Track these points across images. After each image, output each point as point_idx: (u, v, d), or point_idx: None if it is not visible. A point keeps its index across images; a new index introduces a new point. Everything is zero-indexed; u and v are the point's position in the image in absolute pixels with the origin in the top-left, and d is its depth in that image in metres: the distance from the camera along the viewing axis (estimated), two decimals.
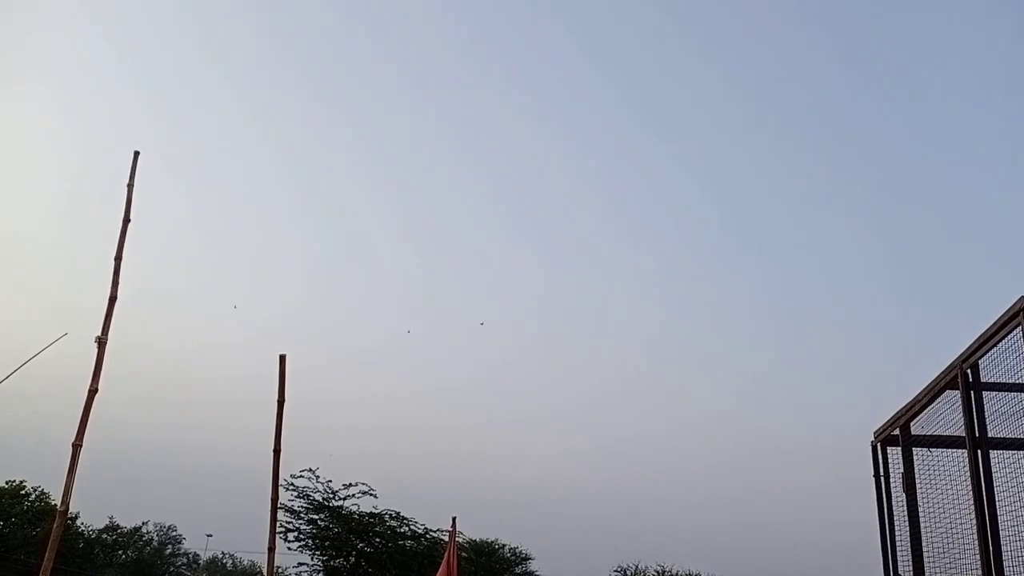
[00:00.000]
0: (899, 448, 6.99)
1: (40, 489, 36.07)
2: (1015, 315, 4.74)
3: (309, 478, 27.98)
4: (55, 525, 4.22)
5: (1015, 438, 5.34)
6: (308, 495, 28.01)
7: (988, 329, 5.17)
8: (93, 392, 4.45)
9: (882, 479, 7.25)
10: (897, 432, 6.98)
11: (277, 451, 6.46)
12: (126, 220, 5.02)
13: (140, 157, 5.44)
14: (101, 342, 4.50)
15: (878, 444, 7.40)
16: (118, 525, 44.94)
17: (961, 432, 5.71)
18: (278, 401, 6.57)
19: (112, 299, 4.63)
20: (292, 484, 27.48)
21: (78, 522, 38.41)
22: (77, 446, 4.29)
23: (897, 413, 6.92)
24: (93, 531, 41.61)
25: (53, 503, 30.60)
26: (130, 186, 5.23)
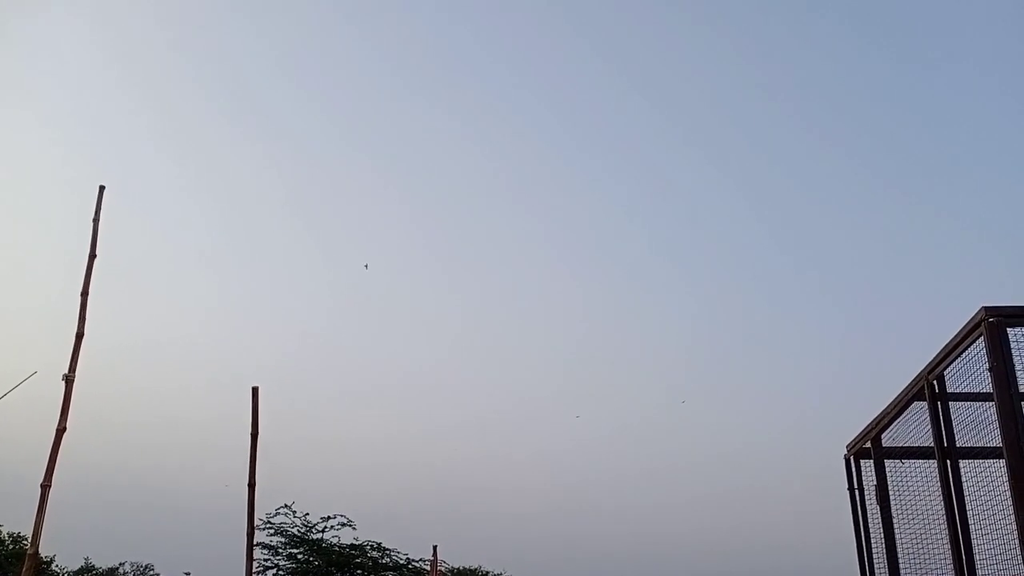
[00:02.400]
0: (871, 460, 7.06)
1: (17, 533, 35.36)
2: (977, 326, 4.83)
3: (286, 514, 27.67)
4: (25, 568, 4.17)
5: (983, 447, 5.41)
6: (285, 530, 27.69)
7: (952, 340, 5.25)
8: (61, 431, 4.40)
9: (856, 492, 7.32)
10: (869, 445, 7.05)
11: (252, 485, 6.42)
12: (92, 256, 5.00)
13: (107, 191, 5.44)
14: (69, 380, 4.47)
15: (851, 457, 7.46)
16: (94, 566, 44.08)
17: (931, 443, 5.78)
18: (252, 434, 6.53)
19: (79, 336, 4.60)
20: (269, 522, 27.15)
21: (54, 565, 37.67)
22: (46, 487, 4.25)
23: (868, 426, 6.99)
24: (68, 573, 40.80)
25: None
26: (96, 221, 5.21)
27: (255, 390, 6.54)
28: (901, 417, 6.45)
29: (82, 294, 4.80)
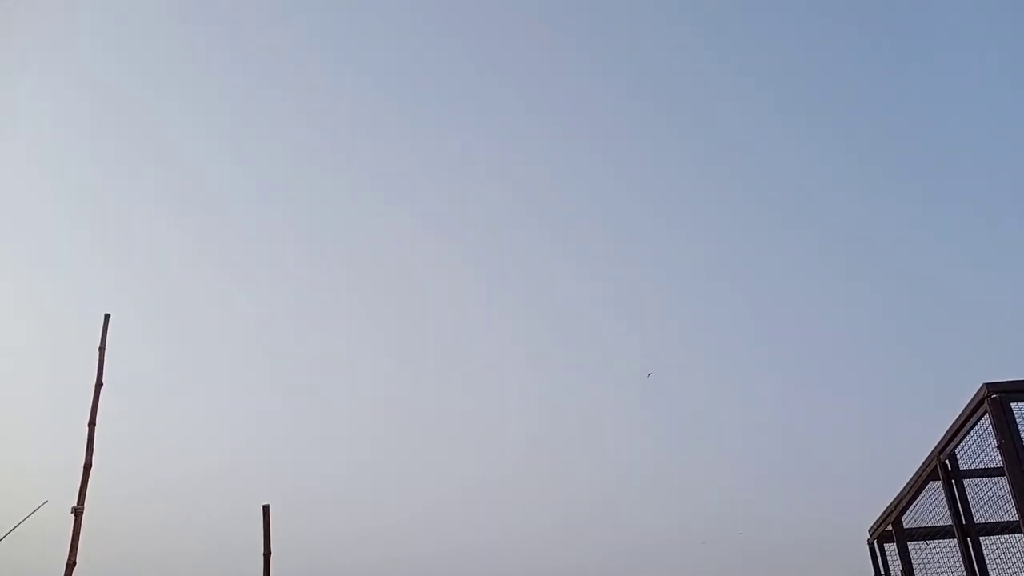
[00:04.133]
0: (894, 543, 6.93)
1: None
2: (980, 403, 4.82)
3: None
4: None
5: (1004, 522, 5.36)
6: None
7: (958, 419, 5.24)
8: (71, 565, 4.35)
9: None
10: (890, 528, 6.93)
11: None
12: (99, 384, 5.02)
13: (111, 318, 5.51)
14: (77, 512, 4.43)
15: (874, 541, 7.34)
16: None
17: (950, 521, 5.70)
18: (264, 554, 6.43)
19: (87, 467, 4.58)
20: None
21: None
22: None
23: (887, 509, 6.89)
24: None
25: None
26: (101, 350, 5.27)
27: (266, 508, 6.46)
28: (919, 498, 6.38)
29: (89, 424, 4.79)
